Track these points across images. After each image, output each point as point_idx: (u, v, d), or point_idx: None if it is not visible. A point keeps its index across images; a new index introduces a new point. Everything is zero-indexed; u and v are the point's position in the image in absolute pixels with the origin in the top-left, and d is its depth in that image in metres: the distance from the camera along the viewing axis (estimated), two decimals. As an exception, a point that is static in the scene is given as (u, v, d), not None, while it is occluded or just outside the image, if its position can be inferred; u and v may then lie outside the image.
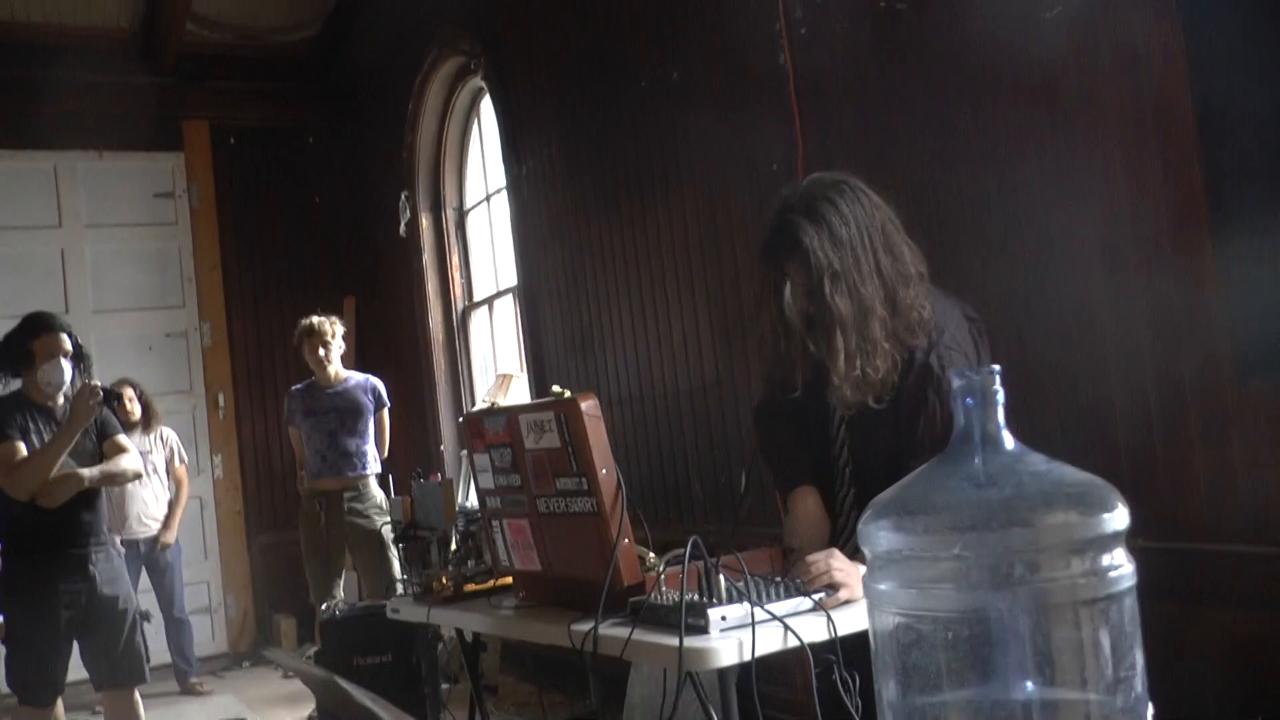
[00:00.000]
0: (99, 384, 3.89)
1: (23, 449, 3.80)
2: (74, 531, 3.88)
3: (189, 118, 7.68)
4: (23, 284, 6.96)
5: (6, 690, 4.12)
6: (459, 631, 3.62)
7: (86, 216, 7.44)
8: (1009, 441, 1.14)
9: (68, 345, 3.92)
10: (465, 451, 6.60)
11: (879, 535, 1.13)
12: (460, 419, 6.70)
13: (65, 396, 3.95)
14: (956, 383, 1.14)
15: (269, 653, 2.32)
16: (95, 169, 7.47)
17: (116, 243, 7.49)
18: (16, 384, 4.00)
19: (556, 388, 2.41)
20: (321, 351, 5.53)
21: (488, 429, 2.40)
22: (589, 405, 2.10)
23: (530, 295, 5.85)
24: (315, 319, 5.58)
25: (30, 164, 7.29)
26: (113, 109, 7.37)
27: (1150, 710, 1.07)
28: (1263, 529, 2.49)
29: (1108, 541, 1.06)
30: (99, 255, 7.43)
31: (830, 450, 2.37)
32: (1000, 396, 1.14)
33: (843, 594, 2.03)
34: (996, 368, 1.14)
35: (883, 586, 1.13)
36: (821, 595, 1.99)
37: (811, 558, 2.10)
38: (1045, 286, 2.97)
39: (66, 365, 3.88)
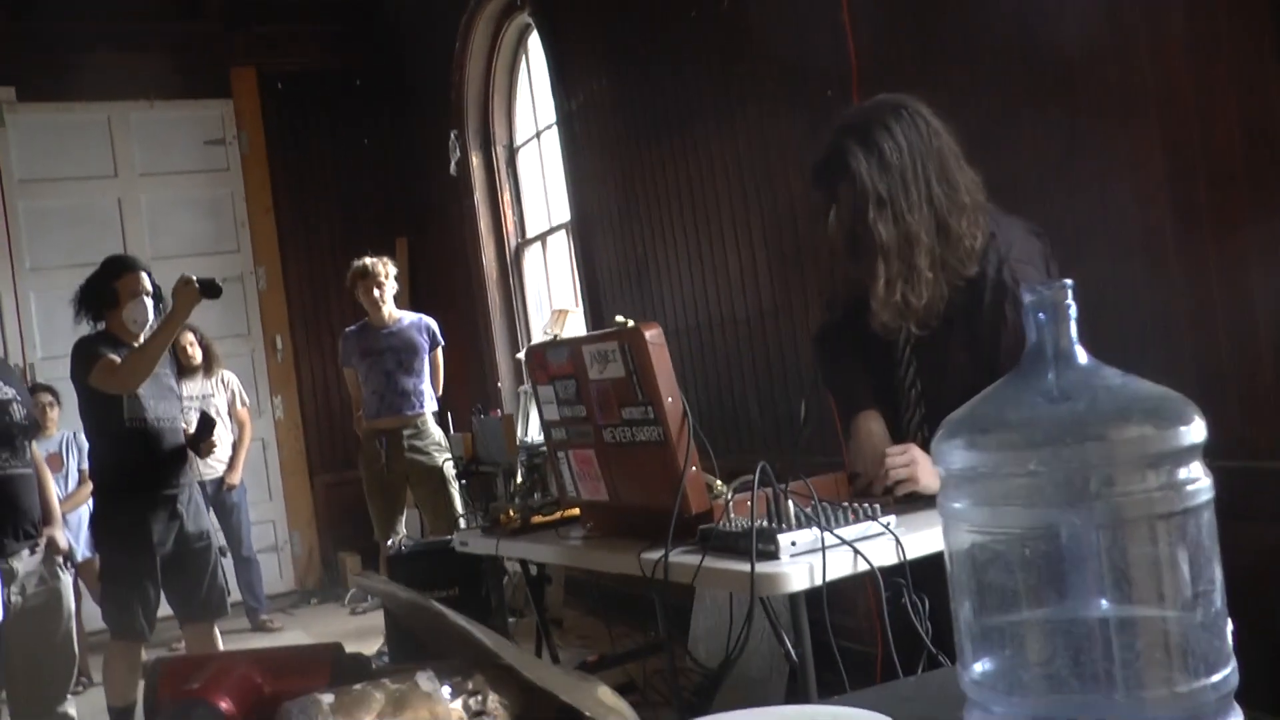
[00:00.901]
0: (194, 275, 3.95)
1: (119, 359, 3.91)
2: (165, 472, 4.00)
3: (236, 64, 7.71)
4: (83, 234, 7.08)
5: (98, 626, 4.29)
6: (523, 565, 3.68)
7: (141, 165, 7.53)
8: (1082, 356, 1.13)
9: (148, 284, 4.03)
10: (524, 387, 6.66)
11: (953, 453, 1.13)
12: (518, 355, 6.75)
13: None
14: (1027, 298, 1.13)
15: (357, 579, 2.35)
16: (147, 118, 7.54)
17: (171, 190, 7.58)
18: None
19: (620, 318, 2.41)
20: (376, 292, 5.58)
21: (551, 361, 2.42)
22: (653, 334, 2.11)
23: (584, 229, 5.85)
24: (368, 260, 5.62)
25: (85, 116, 7.37)
26: (161, 58, 7.41)
27: (1230, 626, 1.07)
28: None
29: (1184, 455, 1.05)
30: (154, 203, 7.53)
31: (895, 373, 2.37)
32: (1073, 311, 1.13)
33: (922, 480, 2.14)
34: (1069, 281, 1.13)
35: (957, 505, 1.13)
36: (888, 516, 2.00)
37: (891, 450, 2.16)
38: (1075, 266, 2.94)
39: (149, 303, 3.98)
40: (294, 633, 6.56)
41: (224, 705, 0.86)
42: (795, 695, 3.89)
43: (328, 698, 0.77)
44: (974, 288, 2.17)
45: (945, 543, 1.17)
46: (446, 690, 0.78)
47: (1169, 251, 2.74)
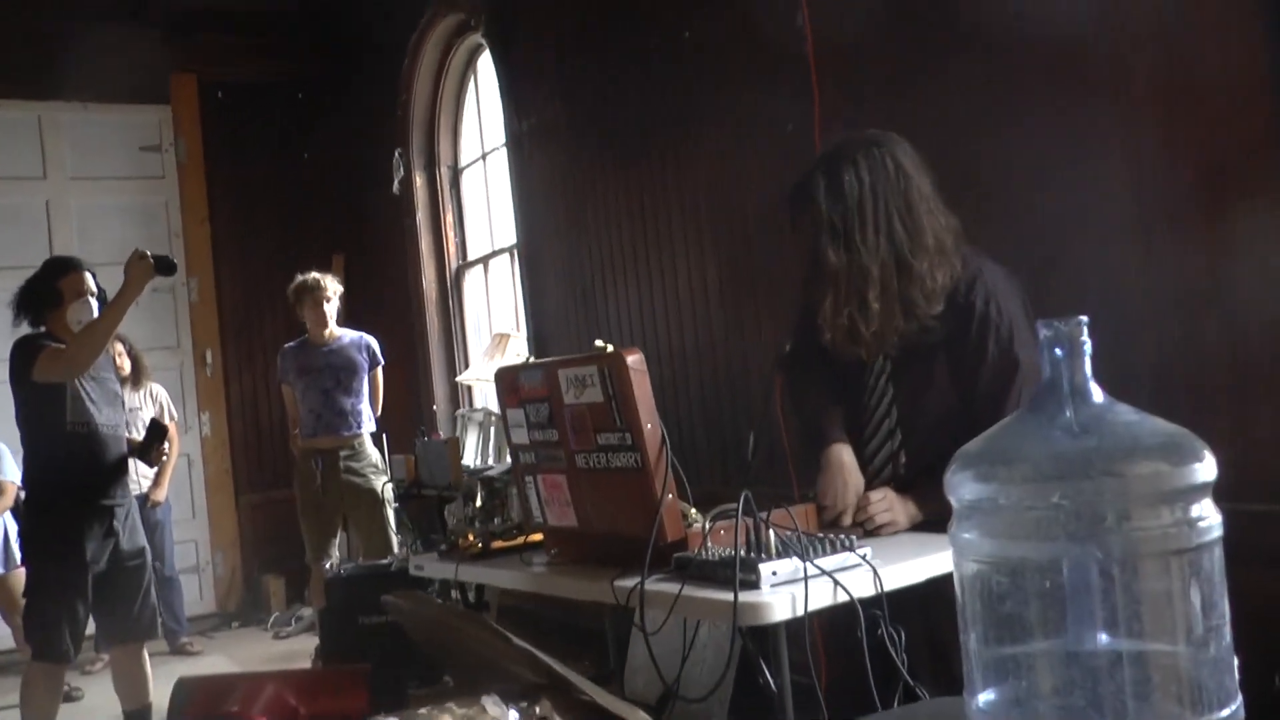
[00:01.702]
0: (147, 250, 3.83)
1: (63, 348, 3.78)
2: (105, 483, 3.86)
3: (177, 71, 7.55)
4: (8, 235, 6.86)
5: (13, 647, 4.12)
6: (462, 591, 3.62)
7: (71, 169, 7.32)
8: (1097, 393, 1.14)
9: (93, 285, 3.90)
10: (461, 411, 6.58)
11: (966, 484, 1.13)
12: (457, 378, 6.67)
13: None
14: (1044, 333, 1.14)
15: (390, 600, 2.19)
16: (80, 120, 7.35)
17: (102, 196, 7.38)
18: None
19: (599, 342, 2.40)
20: (323, 308, 5.49)
21: (523, 384, 2.38)
22: (635, 359, 2.09)
23: (531, 253, 5.82)
24: (313, 275, 5.53)
25: (14, 114, 7.15)
26: (100, 61, 7.19)
27: (1236, 661, 1.09)
28: None
29: (1197, 492, 1.07)
30: (84, 208, 7.32)
31: (863, 401, 2.42)
32: (1088, 347, 1.15)
33: (900, 522, 2.28)
34: (1084, 318, 1.15)
35: (968, 535, 1.13)
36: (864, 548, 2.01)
37: (874, 495, 2.28)
38: (1074, 248, 2.98)
39: (94, 304, 3.86)
40: (215, 657, 6.37)
41: (261, 726, 0.82)
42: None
43: (390, 722, 0.73)
44: (961, 320, 2.25)
45: (955, 572, 1.18)
46: (514, 714, 0.75)
47: (1198, 243, 2.70)
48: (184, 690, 0.87)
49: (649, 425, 2.09)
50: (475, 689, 0.79)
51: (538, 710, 0.77)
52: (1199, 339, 2.70)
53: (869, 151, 2.30)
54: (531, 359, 5.21)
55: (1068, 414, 1.16)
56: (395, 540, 5.50)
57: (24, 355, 3.78)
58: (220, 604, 7.51)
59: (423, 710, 0.76)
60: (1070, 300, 2.95)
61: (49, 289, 3.88)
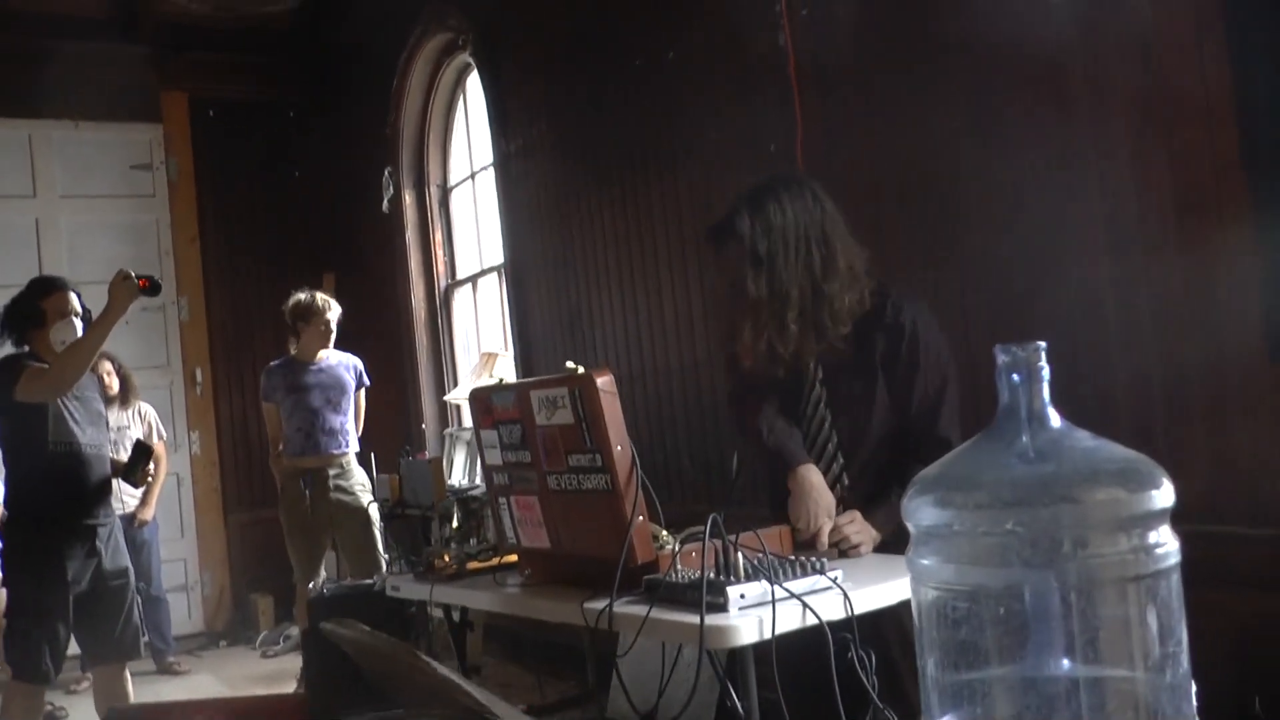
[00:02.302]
0: (131, 271, 3.82)
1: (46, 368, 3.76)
2: (88, 503, 3.83)
3: (168, 89, 7.57)
4: (-3, 254, 6.87)
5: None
6: (446, 612, 3.60)
7: (62, 187, 7.32)
8: (1055, 419, 1.13)
9: (77, 305, 3.88)
10: (449, 430, 6.57)
11: (923, 510, 1.12)
12: (445, 397, 6.66)
13: None
14: (1002, 358, 1.14)
15: (327, 628, 2.21)
16: (71, 139, 7.35)
17: (93, 214, 7.38)
18: None
19: (570, 363, 2.39)
20: (323, 329, 5.47)
21: (496, 405, 2.38)
22: (605, 381, 2.09)
23: (517, 273, 5.82)
24: (319, 295, 5.51)
25: (4, 132, 7.16)
26: (90, 79, 7.23)
27: (1194, 687, 1.08)
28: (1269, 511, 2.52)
29: (1154, 518, 1.06)
30: (75, 226, 7.32)
31: (802, 427, 2.53)
32: (1045, 372, 1.14)
33: (865, 546, 2.35)
34: (1042, 344, 1.14)
35: (926, 561, 1.12)
36: (835, 571, 2.00)
37: (841, 519, 2.35)
38: (1052, 267, 2.97)
39: (78, 324, 3.84)
40: (202, 676, 6.34)
41: (185, 758, 0.81)
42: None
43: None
44: (893, 340, 2.42)
45: (913, 598, 1.17)
46: (432, 746, 0.74)
47: (1173, 264, 2.70)
48: (119, 718, 0.85)
49: (619, 447, 2.09)
50: (410, 717, 0.78)
51: (459, 742, 0.76)
52: (1177, 359, 2.69)
53: (788, 185, 2.47)
54: (503, 380, 5.20)
55: (1024, 440, 1.15)
56: (384, 560, 5.47)
57: (6, 375, 3.76)
58: (208, 623, 7.48)
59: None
60: (1047, 320, 2.94)
61: (32, 308, 3.86)
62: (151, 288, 3.80)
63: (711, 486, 4.33)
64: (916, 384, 2.40)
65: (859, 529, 2.35)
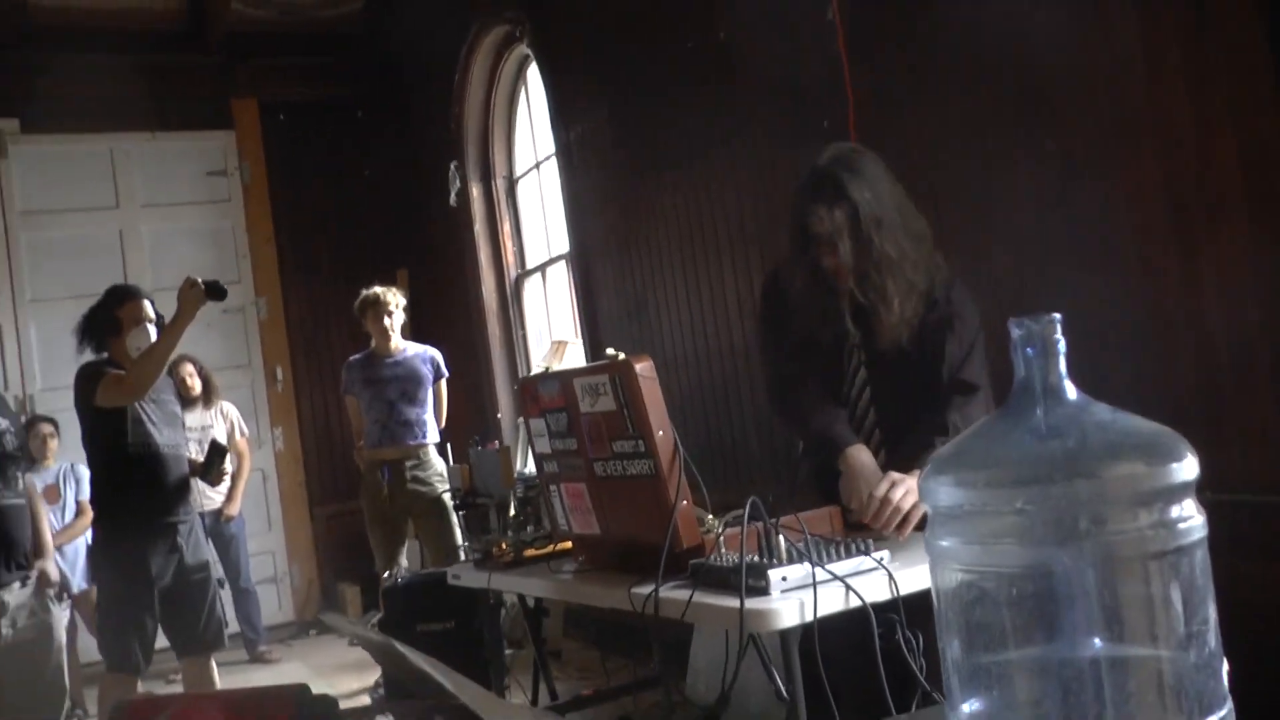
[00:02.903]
0: (199, 278, 3.93)
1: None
2: (168, 501, 3.96)
3: (238, 96, 7.74)
4: (84, 265, 7.07)
5: (95, 658, 4.25)
6: (520, 597, 3.65)
7: (142, 197, 7.54)
8: (1071, 392, 1.10)
9: (151, 312, 4.01)
10: (522, 418, 6.63)
11: (940, 490, 1.10)
12: (515, 386, 6.73)
13: None
14: (1016, 332, 1.11)
15: (326, 617, 2.31)
16: (149, 150, 7.56)
17: (172, 222, 7.59)
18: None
19: (611, 350, 2.41)
20: (386, 321, 5.57)
21: (542, 394, 2.40)
22: (644, 367, 2.09)
23: (583, 261, 5.85)
24: (378, 289, 5.62)
25: (87, 147, 7.39)
26: (163, 90, 7.44)
27: (1226, 666, 1.04)
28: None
29: (1176, 492, 1.03)
30: (156, 234, 7.54)
31: (845, 409, 2.50)
32: (1061, 346, 1.11)
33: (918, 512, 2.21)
34: (1057, 316, 1.11)
35: (945, 543, 1.11)
36: (881, 551, 1.98)
37: (880, 490, 2.24)
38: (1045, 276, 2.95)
39: (152, 331, 3.96)
40: (292, 664, 6.51)
41: (183, 752, 0.84)
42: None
43: (285, 745, 0.74)
44: (932, 315, 2.38)
45: (933, 580, 1.15)
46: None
47: (1168, 280, 2.73)
48: (119, 711, 0.90)
49: (660, 432, 2.09)
50: (379, 708, 0.80)
51: (429, 732, 0.77)
52: (1211, 382, 2.65)
53: (864, 154, 2.43)
54: (549, 368, 5.22)
55: (1039, 415, 1.12)
56: (462, 549, 5.56)
57: (87, 381, 3.90)
58: (299, 612, 7.67)
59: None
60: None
61: (109, 317, 3.99)
62: (217, 292, 3.89)
63: (779, 468, 4.31)
64: (950, 348, 2.37)
65: (903, 491, 2.24)
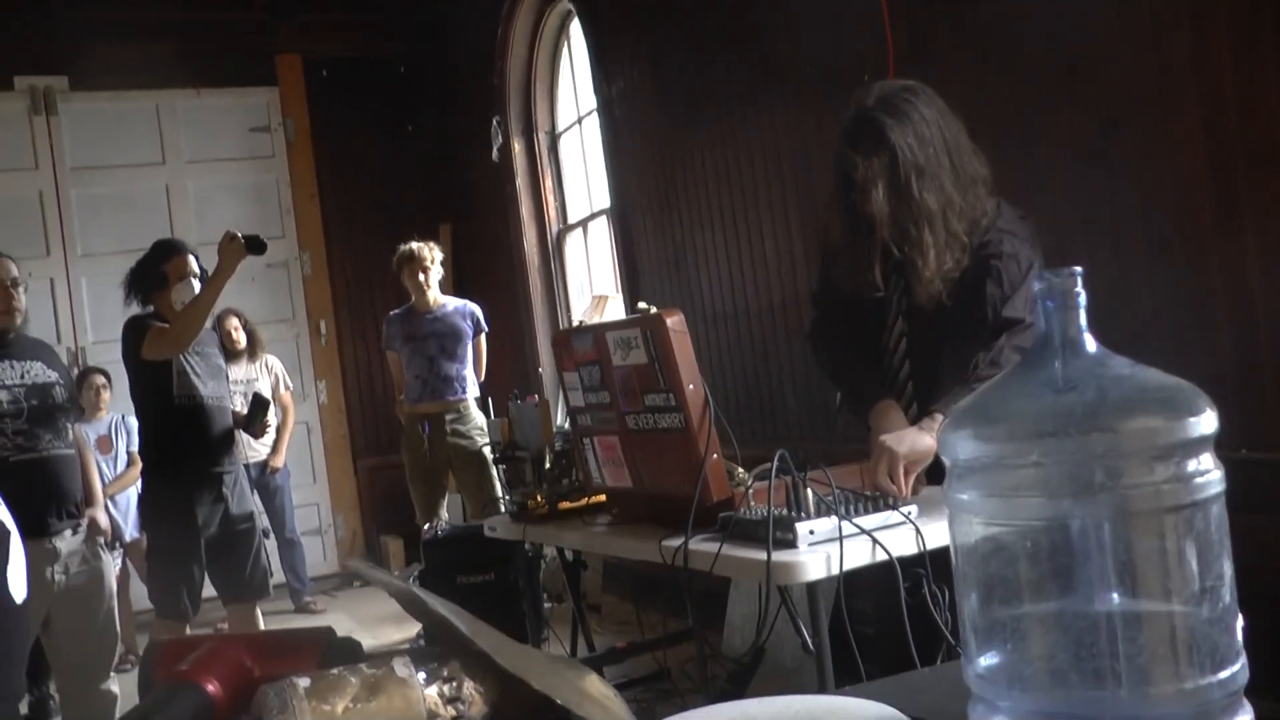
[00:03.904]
0: (238, 232, 3.98)
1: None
2: (213, 452, 4.05)
3: (281, 52, 7.79)
4: (131, 220, 7.19)
5: (146, 606, 4.37)
6: (560, 551, 3.69)
7: (188, 153, 7.63)
8: (1091, 345, 1.10)
9: (195, 267, 4.08)
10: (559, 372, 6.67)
11: (959, 443, 1.11)
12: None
13: None
14: (1036, 285, 1.11)
15: (353, 564, 2.34)
16: (194, 106, 7.64)
17: (217, 177, 7.68)
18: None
19: (643, 304, 2.42)
20: (421, 277, 5.60)
21: (576, 347, 2.42)
22: (674, 320, 2.10)
23: (624, 216, 5.85)
24: (414, 244, 5.65)
25: (133, 104, 7.48)
26: (207, 47, 7.50)
27: (1241, 621, 1.05)
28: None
29: (1194, 446, 1.02)
30: (201, 190, 7.63)
31: (883, 361, 2.42)
32: (1082, 299, 1.10)
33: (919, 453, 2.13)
34: (1078, 269, 1.11)
35: (963, 496, 1.11)
36: (909, 506, 1.99)
37: (879, 482, 2.14)
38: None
39: (197, 285, 4.03)
40: (336, 615, 6.63)
41: (211, 688, 0.87)
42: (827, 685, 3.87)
43: (304, 681, 0.77)
44: (976, 262, 2.25)
45: (950, 534, 1.16)
46: (421, 676, 0.78)
47: (1208, 240, 2.69)
48: (154, 649, 0.93)
49: (691, 386, 2.11)
50: (397, 651, 0.82)
51: (445, 671, 0.80)
52: (1249, 342, 2.60)
53: (915, 91, 2.27)
54: (582, 322, 5.23)
55: (1057, 367, 1.13)
56: (503, 502, 5.61)
57: (133, 334, 3.98)
58: (343, 564, 7.80)
59: (334, 670, 0.79)
60: (1093, 302, 2.87)
61: (155, 271, 4.06)
62: (257, 246, 3.94)
63: (816, 422, 4.32)
64: (990, 290, 2.22)
65: (901, 465, 2.15)
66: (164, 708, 0.84)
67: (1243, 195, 2.61)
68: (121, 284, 4.16)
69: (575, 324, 6.48)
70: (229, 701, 0.89)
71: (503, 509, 5.47)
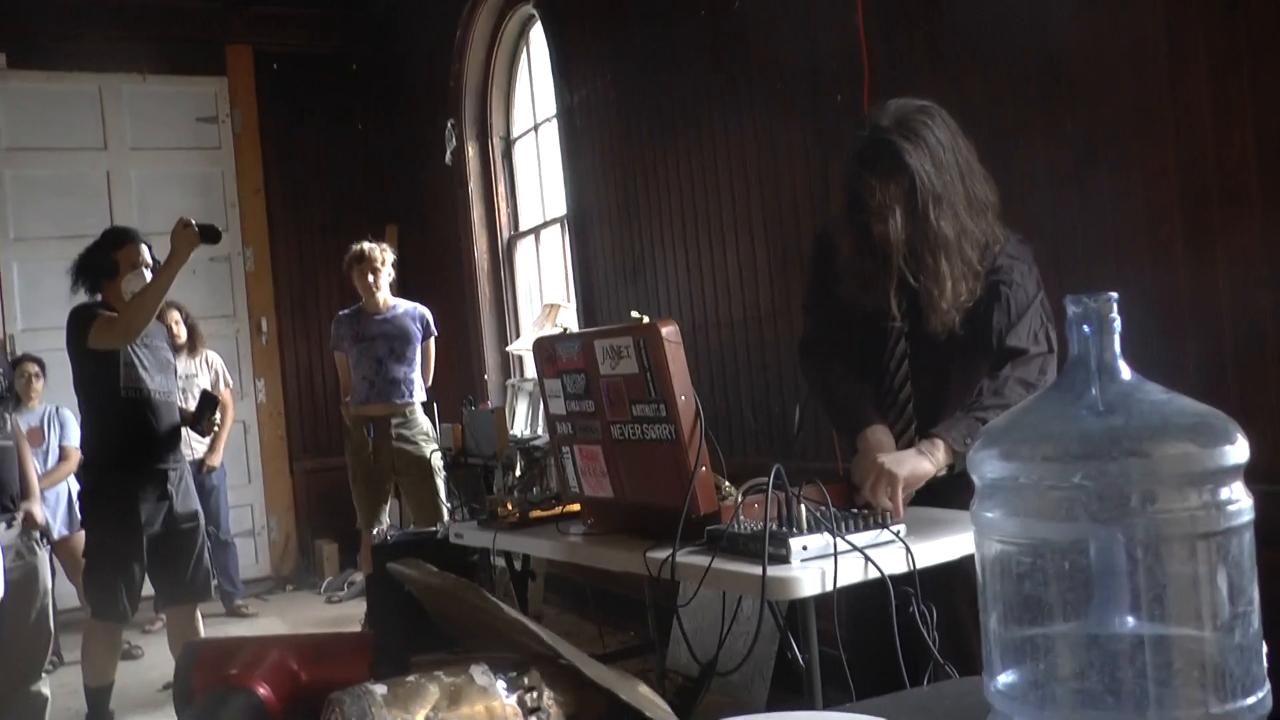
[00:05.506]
0: (191, 219, 3.88)
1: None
2: (159, 448, 3.93)
3: (232, 42, 7.64)
4: (69, 205, 7.00)
5: (72, 605, 4.24)
6: (508, 560, 3.65)
7: (131, 139, 7.45)
8: (1125, 371, 1.11)
9: (148, 257, 3.97)
10: (511, 381, 6.62)
11: (989, 462, 1.11)
12: (507, 348, 6.71)
13: None
14: (1072, 309, 1.12)
15: (394, 567, 2.24)
16: (139, 92, 7.45)
17: (160, 166, 7.50)
18: None
19: (635, 313, 2.39)
20: (371, 278, 5.52)
21: (560, 354, 2.39)
22: (669, 331, 2.08)
23: (581, 225, 5.82)
24: (366, 244, 5.57)
25: (75, 86, 7.28)
26: (156, 32, 7.33)
27: (1264, 648, 1.06)
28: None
29: (1226, 474, 1.03)
30: (143, 178, 7.45)
31: (883, 382, 2.40)
32: (1117, 324, 1.11)
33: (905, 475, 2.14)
34: (1114, 294, 1.11)
35: (991, 515, 1.11)
36: (898, 524, 1.99)
37: (873, 499, 2.14)
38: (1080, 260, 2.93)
39: (148, 275, 3.92)
40: (269, 619, 6.49)
41: (262, 691, 0.83)
42: (778, 702, 3.87)
43: (380, 689, 0.74)
44: (995, 282, 2.25)
45: (976, 551, 1.15)
46: (502, 685, 0.75)
47: (1179, 266, 2.74)
48: (191, 652, 0.89)
49: (683, 397, 2.08)
50: (471, 658, 0.79)
51: (526, 680, 0.77)
52: (1215, 364, 2.65)
53: (930, 113, 2.23)
54: (567, 329, 5.21)
55: (1094, 392, 1.13)
56: (446, 508, 5.55)
57: (79, 323, 3.86)
58: (275, 568, 7.65)
59: (410, 678, 0.76)
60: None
61: (106, 259, 3.95)
62: (211, 234, 3.86)
63: (774, 440, 4.32)
64: (996, 318, 2.22)
65: (889, 488, 2.16)
66: (220, 711, 0.80)
67: (1216, 229, 2.66)
68: (69, 271, 4.04)
69: (525, 332, 6.43)
70: (280, 705, 0.85)
71: (446, 517, 5.43)
